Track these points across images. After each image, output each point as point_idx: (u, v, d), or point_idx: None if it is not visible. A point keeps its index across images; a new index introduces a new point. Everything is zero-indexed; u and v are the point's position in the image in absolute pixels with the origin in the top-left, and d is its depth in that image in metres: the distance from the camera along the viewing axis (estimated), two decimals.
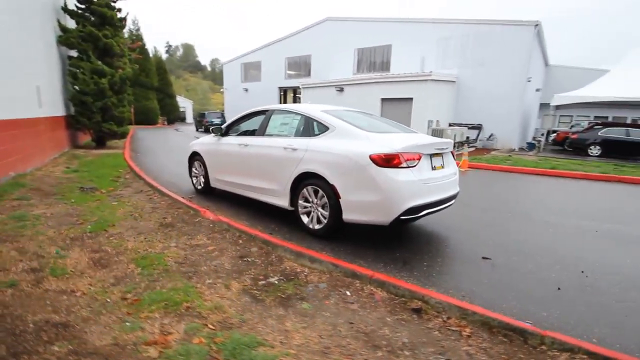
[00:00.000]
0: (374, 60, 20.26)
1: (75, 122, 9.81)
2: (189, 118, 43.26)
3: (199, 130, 24.45)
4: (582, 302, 2.51)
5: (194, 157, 5.85)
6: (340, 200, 3.52)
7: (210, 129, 5.36)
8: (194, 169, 5.91)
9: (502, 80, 16.10)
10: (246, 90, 26.80)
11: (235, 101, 27.69)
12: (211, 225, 4.02)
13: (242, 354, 1.80)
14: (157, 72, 30.56)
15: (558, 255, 3.42)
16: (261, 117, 5.37)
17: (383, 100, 16.29)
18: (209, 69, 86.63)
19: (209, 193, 5.62)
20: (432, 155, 3.69)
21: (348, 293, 2.57)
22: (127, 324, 1.99)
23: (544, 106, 21.27)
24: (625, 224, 4.65)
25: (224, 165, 5.10)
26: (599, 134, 14.75)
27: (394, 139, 3.59)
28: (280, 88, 25.08)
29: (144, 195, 5.44)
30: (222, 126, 5.31)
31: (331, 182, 3.55)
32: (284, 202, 4.17)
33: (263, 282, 2.73)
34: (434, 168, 3.69)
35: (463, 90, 17.11)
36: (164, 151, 11.73)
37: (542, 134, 17.57)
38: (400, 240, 3.74)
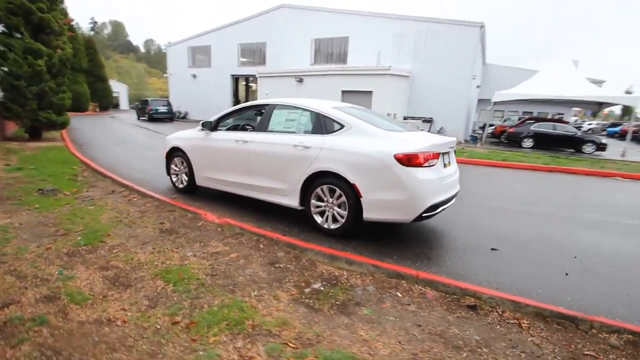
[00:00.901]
0: (331, 52, 20.29)
1: (4, 109, 8.29)
2: (124, 104, 39.34)
3: (141, 118, 22.40)
4: (590, 286, 2.84)
5: (174, 153, 5.36)
6: (361, 199, 3.50)
7: (201, 123, 4.93)
8: (173, 166, 5.42)
9: (451, 77, 17.21)
10: (194, 76, 25.11)
11: (181, 88, 25.82)
12: (219, 230, 3.73)
13: None
14: (86, 53, 27.04)
15: (549, 243, 3.81)
16: (259, 112, 5.10)
17: (344, 92, 16.45)
18: (142, 50, 79.35)
19: (192, 192, 5.20)
20: (443, 154, 3.84)
21: (399, 294, 2.59)
22: (201, 353, 1.77)
23: (480, 102, 23.38)
24: (584, 210, 5.35)
25: (217, 163, 4.75)
26: (531, 128, 16.63)
27: (412, 138, 3.66)
28: (233, 76, 23.94)
29: (119, 197, 4.85)
30: (210, 120, 4.92)
31: (352, 181, 3.51)
32: (292, 201, 4.02)
33: (308, 289, 2.62)
34: (444, 166, 3.84)
35: (416, 85, 17.97)
36: (113, 143, 10.54)
37: (481, 128, 19.34)
38: (409, 236, 3.86)
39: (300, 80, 17.76)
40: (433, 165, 3.53)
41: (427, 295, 2.57)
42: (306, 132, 4.03)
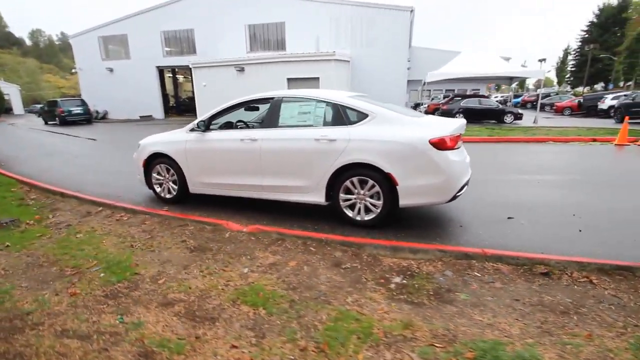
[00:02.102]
0: (268, 38, 19.61)
1: None
2: (17, 108, 33.21)
3: (51, 123, 19.21)
4: (603, 238, 3.27)
5: (155, 160, 4.71)
6: (397, 187, 3.51)
7: (197, 123, 4.37)
8: (156, 175, 4.78)
9: (388, 60, 18.02)
10: (111, 70, 22.14)
11: (96, 84, 22.60)
12: (253, 238, 3.42)
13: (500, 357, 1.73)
14: None
15: (547, 206, 4.29)
16: (262, 107, 4.72)
17: (289, 80, 16.13)
18: (28, 42, 67.31)
19: (181, 202, 4.67)
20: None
21: (477, 274, 2.69)
22: None
23: (409, 82, 24.94)
24: (549, 174, 6.14)
25: (218, 166, 4.31)
26: (461, 104, 18.34)
27: (437, 123, 3.75)
28: (158, 68, 21.69)
29: (103, 219, 4.12)
30: (203, 120, 4.41)
31: (387, 170, 3.49)
32: (316, 198, 3.87)
33: (392, 285, 2.57)
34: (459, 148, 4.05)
35: (355, 69, 18.42)
36: (39, 156, 8.87)
37: (413, 107, 20.74)
38: (430, 216, 4.02)
39: (241, 70, 16.89)
40: (459, 148, 3.70)
41: (502, 271, 2.72)
42: (326, 124, 3.86)
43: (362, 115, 3.74)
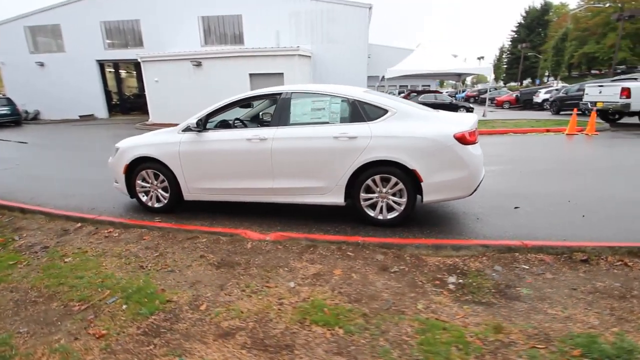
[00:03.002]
0: (224, 32, 18.65)
1: None
2: None
3: None
4: (605, 221, 3.52)
5: (139, 165, 4.16)
6: (422, 183, 3.46)
7: (195, 122, 3.90)
8: (140, 182, 4.23)
9: (349, 56, 18.13)
10: (41, 64, 19.51)
11: (23, 80, 19.80)
12: (281, 247, 3.13)
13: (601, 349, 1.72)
14: None
15: (540, 194, 4.51)
16: (267, 103, 4.38)
17: (252, 75, 15.50)
18: None
19: (173, 210, 4.22)
20: None
21: (525, 266, 2.71)
22: None
23: (368, 78, 25.48)
24: (526, 164, 6.56)
25: (220, 169, 3.92)
26: (419, 99, 19.13)
27: (456, 117, 3.75)
28: (99, 62, 19.59)
29: (86, 236, 3.52)
30: (200, 118, 3.97)
31: (412, 167, 3.41)
32: (335, 198, 3.69)
33: (451, 286, 2.49)
34: None
35: (317, 65, 18.30)
36: None
37: None
38: (440, 211, 4.05)
39: (199, 64, 15.85)
40: (477, 142, 3.74)
41: (546, 261, 2.77)
42: (343, 121, 3.67)
43: (381, 111, 3.61)
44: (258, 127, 3.96)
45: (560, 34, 37.02)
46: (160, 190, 4.23)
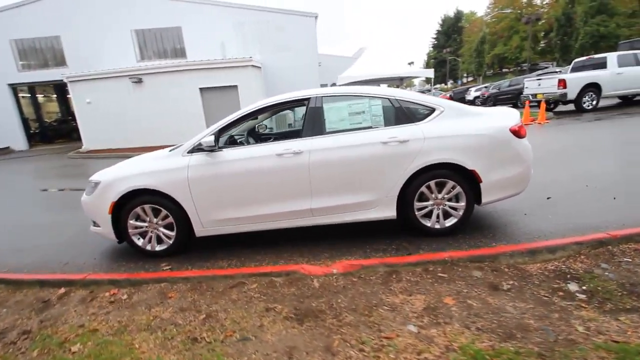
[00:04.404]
0: (163, 46, 17.21)
1: None
2: None
3: None
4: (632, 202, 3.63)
5: (131, 201, 3.30)
6: (481, 184, 3.19)
7: (204, 143, 3.16)
8: (134, 222, 3.36)
9: (300, 65, 17.92)
10: None
11: None
12: (356, 279, 2.57)
13: None
14: None
15: (553, 182, 4.53)
16: (290, 113, 3.76)
17: (202, 90, 14.41)
18: None
19: (182, 252, 3.44)
20: None
21: (628, 259, 2.53)
22: None
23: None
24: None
25: (246, 193, 3.25)
26: None
27: (502, 112, 3.55)
28: (11, 86, 16.71)
29: (80, 305, 2.59)
30: (214, 133, 3.26)
31: (471, 167, 3.13)
32: (386, 212, 3.26)
33: (582, 296, 2.18)
34: None
35: (268, 75, 17.77)
36: None
37: None
38: (484, 210, 3.86)
39: (139, 81, 14.30)
40: None
41: None
42: (388, 123, 3.26)
43: (428, 110, 3.28)
44: (281, 139, 3.33)
45: (479, 37, 41.20)
46: (162, 229, 3.39)
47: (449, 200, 3.26)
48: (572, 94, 11.78)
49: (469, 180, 3.18)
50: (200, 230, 3.35)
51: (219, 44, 16.94)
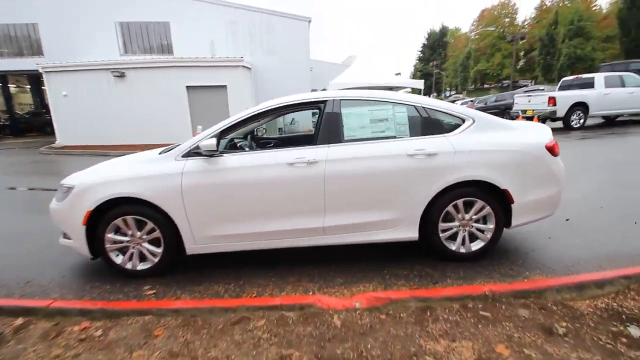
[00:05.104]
0: (149, 40, 16.45)
1: None
2: None
3: None
4: None
5: (111, 210, 2.80)
6: (513, 205, 2.88)
7: (203, 147, 2.70)
8: (113, 236, 2.86)
9: (291, 69, 17.54)
10: None
11: None
12: (384, 317, 2.17)
13: None
14: None
15: (565, 199, 4.33)
16: (302, 115, 3.35)
17: (189, 88, 13.78)
18: None
19: (166, 272, 2.95)
20: None
21: None
22: None
23: None
24: None
25: (248, 206, 2.81)
26: None
27: (535, 126, 3.28)
28: None
29: (45, 343, 2.07)
30: (215, 135, 2.81)
31: (503, 186, 2.82)
32: (407, 232, 2.91)
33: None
34: None
35: (259, 77, 17.30)
36: None
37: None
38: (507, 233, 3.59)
39: (121, 75, 13.50)
40: None
41: None
42: (414, 134, 2.91)
43: (457, 121, 2.97)
44: (289, 146, 2.91)
45: (465, 52, 42.25)
46: (147, 245, 2.89)
47: (476, 221, 2.94)
48: (561, 111, 11.95)
49: (499, 200, 2.87)
50: (192, 248, 2.88)
51: (208, 42, 16.34)
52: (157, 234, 2.84)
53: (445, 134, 2.87)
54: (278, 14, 16.78)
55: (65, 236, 2.98)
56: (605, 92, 11.89)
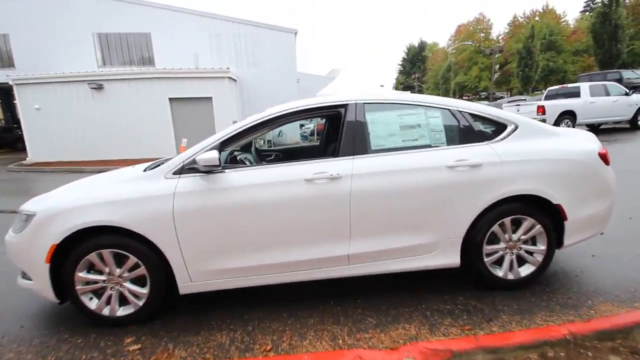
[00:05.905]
0: (129, 52, 15.77)
1: None
2: None
3: None
4: None
5: (82, 243, 2.23)
6: (565, 222, 2.48)
7: (199, 162, 2.17)
8: (84, 275, 2.29)
9: (278, 81, 17.17)
10: None
11: None
12: None
13: None
14: None
15: None
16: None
17: (172, 100, 13.16)
18: None
19: (151, 317, 2.38)
20: None
21: None
22: None
23: None
24: None
25: (258, 233, 2.29)
26: None
27: (583, 132, 2.92)
28: None
29: None
30: (215, 147, 2.30)
31: (556, 201, 2.42)
32: (447, 258, 2.47)
33: None
34: None
35: (244, 89, 16.86)
36: None
37: (306, 127, 20.69)
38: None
39: (99, 87, 12.76)
40: None
41: None
42: (451, 142, 2.49)
43: (499, 127, 2.57)
44: (303, 160, 2.43)
45: (446, 65, 43.32)
46: (128, 285, 2.31)
47: (525, 242, 2.52)
48: (550, 120, 12.01)
49: (552, 218, 2.47)
50: (186, 286, 2.33)
51: (191, 54, 15.82)
52: (141, 270, 2.28)
53: (488, 142, 2.47)
54: (263, 26, 16.49)
55: (25, 276, 2.37)
56: (591, 101, 12.05)
